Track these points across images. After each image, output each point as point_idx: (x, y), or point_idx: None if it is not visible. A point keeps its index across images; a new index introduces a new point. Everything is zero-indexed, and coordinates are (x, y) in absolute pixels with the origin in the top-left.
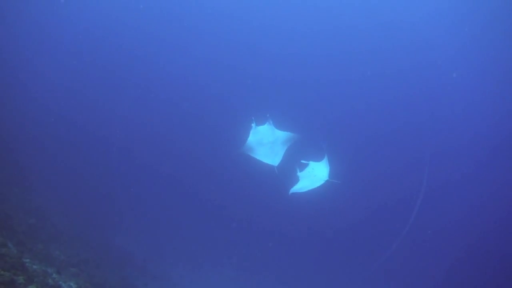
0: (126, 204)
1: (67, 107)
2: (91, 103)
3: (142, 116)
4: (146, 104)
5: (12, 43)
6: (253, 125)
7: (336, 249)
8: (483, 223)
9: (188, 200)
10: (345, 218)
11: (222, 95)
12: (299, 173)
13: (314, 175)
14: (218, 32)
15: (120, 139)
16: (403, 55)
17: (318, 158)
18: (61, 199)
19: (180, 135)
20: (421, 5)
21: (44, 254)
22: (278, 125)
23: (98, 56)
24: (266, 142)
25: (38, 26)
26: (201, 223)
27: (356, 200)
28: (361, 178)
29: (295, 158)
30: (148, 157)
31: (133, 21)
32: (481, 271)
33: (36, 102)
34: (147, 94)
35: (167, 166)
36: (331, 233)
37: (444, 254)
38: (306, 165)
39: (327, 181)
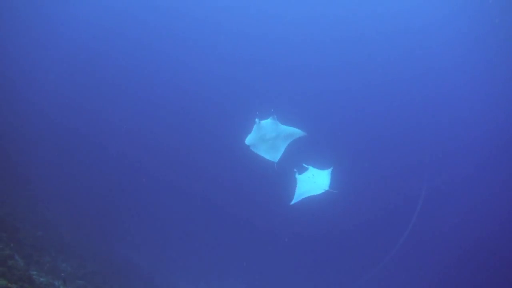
0: (132, 215)
1: (74, 117)
2: (100, 112)
3: (148, 123)
4: (152, 108)
5: (10, 43)
6: (257, 120)
7: (335, 252)
8: (482, 227)
9: (195, 211)
10: (345, 223)
11: (227, 93)
12: (297, 175)
13: (314, 181)
14: (223, 28)
15: (126, 149)
16: (408, 59)
17: (320, 167)
18: (68, 211)
19: (187, 142)
20: (422, 7)
21: (51, 267)
22: (282, 120)
23: (102, 57)
24: (268, 138)
25: (35, 25)
26: (207, 234)
27: (357, 205)
28: (362, 183)
29: (296, 157)
30: (154, 165)
31: (133, 21)
32: (479, 273)
33: (41, 112)
34: (150, 96)
35: (173, 175)
36: (331, 237)
37: (443, 257)
38: (306, 169)
39: (326, 191)
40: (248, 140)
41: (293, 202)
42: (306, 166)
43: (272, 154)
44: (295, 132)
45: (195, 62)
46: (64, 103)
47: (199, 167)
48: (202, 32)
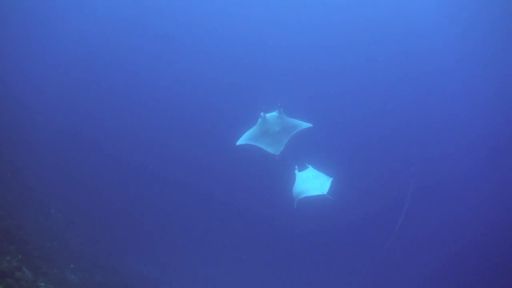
0: (140, 225)
1: (81, 123)
2: (110, 118)
3: (157, 128)
4: (161, 112)
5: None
6: (262, 114)
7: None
8: (476, 226)
9: (201, 216)
10: (339, 222)
11: (231, 94)
12: (297, 172)
13: (313, 182)
14: (229, 21)
15: (131, 159)
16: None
17: (322, 168)
18: (76, 222)
19: (194, 148)
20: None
21: (59, 278)
22: (289, 114)
23: (104, 59)
24: (272, 131)
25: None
26: (216, 241)
27: (353, 207)
28: (362, 186)
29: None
30: (160, 172)
31: (132, 20)
32: (472, 272)
33: (46, 119)
34: (160, 97)
35: (179, 181)
36: (325, 236)
37: (436, 256)
38: (307, 167)
39: (324, 195)
40: (248, 134)
41: (294, 199)
42: (307, 165)
43: (274, 147)
44: (300, 124)
45: (200, 62)
46: (69, 108)
47: (205, 172)
48: (205, 33)
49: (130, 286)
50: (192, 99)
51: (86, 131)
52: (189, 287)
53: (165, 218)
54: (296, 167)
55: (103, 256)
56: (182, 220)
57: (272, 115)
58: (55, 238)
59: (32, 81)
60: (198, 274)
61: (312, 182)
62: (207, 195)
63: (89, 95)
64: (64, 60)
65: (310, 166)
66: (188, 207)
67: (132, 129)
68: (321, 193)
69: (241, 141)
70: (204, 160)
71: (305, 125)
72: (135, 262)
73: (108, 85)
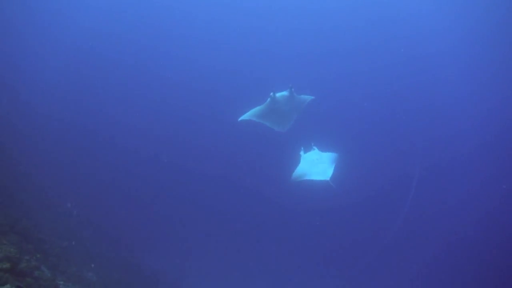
0: (156, 222)
1: (95, 122)
2: (125, 117)
3: (176, 128)
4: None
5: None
6: (272, 94)
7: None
8: (474, 222)
9: (218, 214)
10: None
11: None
12: (302, 153)
13: (317, 165)
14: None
15: (144, 157)
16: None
17: (329, 154)
18: (92, 220)
19: (209, 145)
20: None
21: (77, 276)
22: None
23: (107, 56)
24: (280, 110)
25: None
26: (231, 237)
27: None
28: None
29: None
30: (175, 171)
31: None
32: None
33: (58, 120)
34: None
35: (193, 177)
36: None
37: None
38: (312, 148)
39: (326, 181)
40: (254, 111)
41: (293, 178)
42: (313, 146)
43: (281, 125)
44: (305, 99)
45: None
46: (79, 106)
47: (218, 169)
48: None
49: (147, 284)
50: (197, 90)
51: (99, 128)
52: (203, 282)
53: (181, 213)
54: (302, 148)
55: (119, 253)
56: (198, 215)
57: (282, 94)
58: (72, 236)
59: (38, 82)
60: (212, 270)
61: (316, 166)
62: (221, 185)
63: (100, 92)
64: (73, 59)
65: (315, 148)
66: (202, 200)
67: (143, 123)
68: (323, 179)
69: (244, 116)
70: (218, 150)
71: (309, 98)
72: (152, 259)
73: (120, 80)
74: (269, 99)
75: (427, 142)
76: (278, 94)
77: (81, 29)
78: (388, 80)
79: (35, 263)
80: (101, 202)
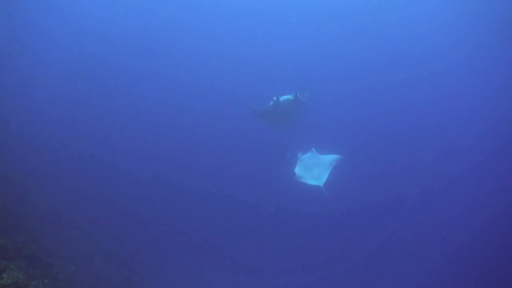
0: (166, 248)
1: (96, 143)
2: (130, 136)
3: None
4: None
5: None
6: (275, 97)
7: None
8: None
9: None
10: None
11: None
12: (300, 155)
13: (312, 170)
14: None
15: (151, 175)
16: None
17: (327, 158)
18: (99, 245)
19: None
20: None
21: None
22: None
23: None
24: (283, 113)
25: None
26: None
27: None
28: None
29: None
30: (182, 190)
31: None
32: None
33: (60, 136)
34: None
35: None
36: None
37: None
38: (310, 149)
39: (318, 186)
40: (261, 111)
41: (294, 179)
42: (312, 149)
43: (282, 126)
44: (306, 102)
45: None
46: (92, 138)
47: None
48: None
49: None
50: (198, 96)
51: (107, 153)
52: None
53: (190, 235)
54: (301, 151)
55: (128, 278)
56: (205, 237)
57: (286, 98)
58: (79, 260)
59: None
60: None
61: (311, 170)
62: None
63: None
64: (77, 63)
65: (313, 150)
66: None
67: (153, 146)
68: (316, 184)
69: (256, 112)
70: (219, 163)
71: (309, 95)
72: (162, 284)
73: (126, 89)
74: (272, 102)
75: (431, 153)
76: (282, 98)
77: (79, 31)
78: (395, 90)
79: None
80: (110, 226)
